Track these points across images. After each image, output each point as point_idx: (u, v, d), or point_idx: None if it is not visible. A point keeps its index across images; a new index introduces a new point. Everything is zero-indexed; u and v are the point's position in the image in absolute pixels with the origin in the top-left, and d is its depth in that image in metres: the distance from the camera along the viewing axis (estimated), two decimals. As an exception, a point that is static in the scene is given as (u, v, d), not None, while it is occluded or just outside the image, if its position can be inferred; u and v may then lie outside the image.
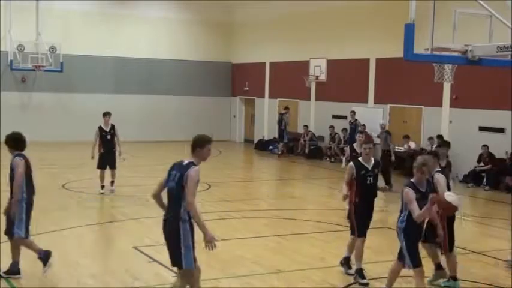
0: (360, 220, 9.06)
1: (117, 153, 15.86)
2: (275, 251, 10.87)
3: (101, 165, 15.78)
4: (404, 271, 9.10)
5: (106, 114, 15.92)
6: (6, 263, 9.25)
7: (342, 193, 9.21)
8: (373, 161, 9.11)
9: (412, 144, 20.88)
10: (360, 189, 8.98)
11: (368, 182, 8.99)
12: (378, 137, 19.85)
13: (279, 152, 25.51)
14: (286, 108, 25.86)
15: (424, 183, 7.89)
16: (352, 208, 9.10)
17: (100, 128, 15.89)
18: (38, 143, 26.17)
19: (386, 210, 14.17)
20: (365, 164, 9.02)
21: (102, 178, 15.73)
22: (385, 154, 18.26)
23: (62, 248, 10.61)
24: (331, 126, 24.42)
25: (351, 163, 9.17)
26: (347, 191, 9.11)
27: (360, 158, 9.16)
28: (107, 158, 15.74)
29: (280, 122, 25.54)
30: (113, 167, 15.82)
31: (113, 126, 15.90)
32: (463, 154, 19.53)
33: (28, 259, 9.88)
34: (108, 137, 15.79)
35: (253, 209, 14.35)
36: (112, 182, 15.82)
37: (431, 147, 20.08)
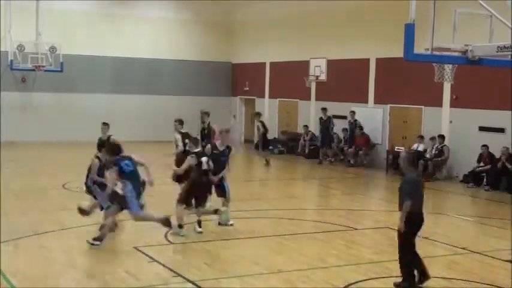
0: None
1: None
2: (275, 251, 10.86)
3: None
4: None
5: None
6: (6, 263, 9.26)
7: None
8: None
9: (421, 146, 20.59)
10: None
11: None
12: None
13: (330, 159, 23.54)
14: (325, 109, 24.06)
15: None
16: None
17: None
18: (38, 143, 26.32)
19: (388, 211, 14.17)
20: None
21: None
22: None
23: (62, 248, 10.61)
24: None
25: None
26: None
27: None
28: None
29: (328, 125, 23.71)
30: None
31: None
32: (463, 154, 19.54)
33: (27, 259, 9.89)
34: None
35: (254, 209, 14.32)
36: None
37: (432, 148, 20.12)
